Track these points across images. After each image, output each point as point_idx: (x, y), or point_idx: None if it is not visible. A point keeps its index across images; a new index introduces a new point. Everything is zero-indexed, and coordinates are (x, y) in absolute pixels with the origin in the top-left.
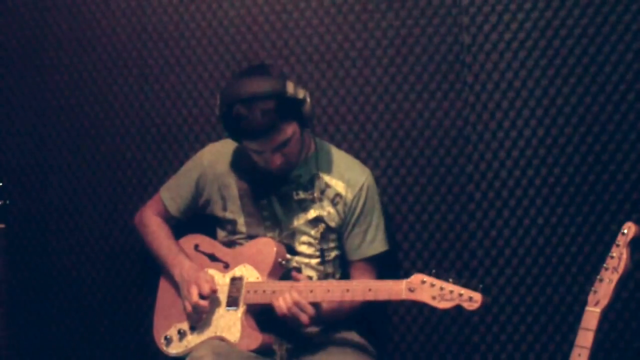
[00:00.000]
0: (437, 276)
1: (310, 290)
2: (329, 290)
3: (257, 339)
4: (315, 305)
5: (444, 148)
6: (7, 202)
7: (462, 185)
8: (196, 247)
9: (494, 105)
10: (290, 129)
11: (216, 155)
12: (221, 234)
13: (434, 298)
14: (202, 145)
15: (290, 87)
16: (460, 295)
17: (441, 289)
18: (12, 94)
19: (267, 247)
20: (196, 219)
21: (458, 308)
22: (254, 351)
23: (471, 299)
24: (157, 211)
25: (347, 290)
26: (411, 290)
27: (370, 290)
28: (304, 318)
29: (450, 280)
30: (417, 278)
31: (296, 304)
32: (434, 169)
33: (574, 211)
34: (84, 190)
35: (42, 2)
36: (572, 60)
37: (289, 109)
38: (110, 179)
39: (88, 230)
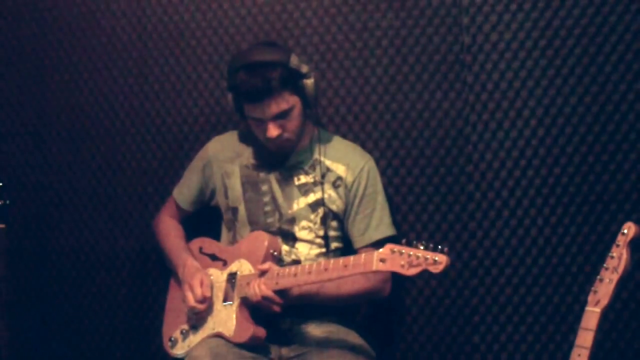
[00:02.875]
0: (409, 245)
1: (276, 283)
2: (309, 273)
3: (248, 330)
4: (283, 292)
5: (444, 148)
6: (7, 202)
7: (462, 185)
8: (200, 249)
9: (494, 105)
10: (291, 100)
11: (220, 145)
12: (224, 229)
13: (402, 266)
14: (203, 145)
15: (294, 59)
16: (426, 259)
17: (409, 255)
18: (12, 94)
19: (259, 239)
20: (202, 218)
21: (459, 307)
22: (247, 343)
23: (435, 261)
24: (170, 212)
25: (325, 270)
26: (382, 260)
27: (345, 266)
28: (275, 308)
29: (420, 246)
30: (387, 248)
31: (263, 297)
32: (434, 169)
33: (574, 211)
34: (84, 191)
35: (42, 2)
36: (572, 60)
37: (291, 79)
38: (110, 178)
39: (88, 230)
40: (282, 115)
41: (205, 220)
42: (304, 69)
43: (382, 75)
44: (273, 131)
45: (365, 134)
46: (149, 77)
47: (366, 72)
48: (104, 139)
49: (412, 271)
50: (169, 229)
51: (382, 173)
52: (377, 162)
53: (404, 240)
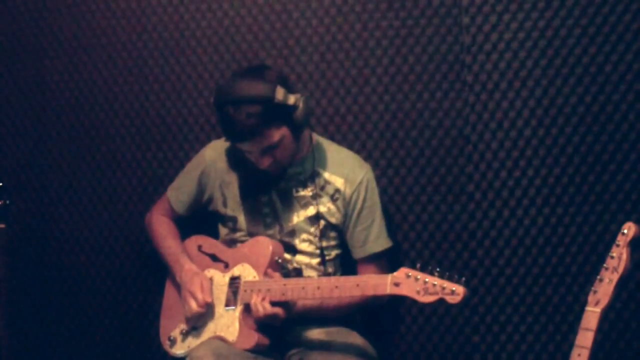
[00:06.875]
0: (423, 270)
1: (282, 293)
2: (319, 288)
3: (252, 338)
4: (287, 304)
5: (444, 148)
6: (7, 202)
7: (462, 185)
8: (199, 247)
9: (494, 105)
10: (278, 134)
11: (218, 152)
12: (223, 231)
13: (418, 292)
14: (202, 145)
15: (279, 94)
16: (443, 288)
17: (425, 282)
18: (12, 94)
19: (263, 245)
20: (199, 218)
21: (459, 307)
22: (250, 351)
23: (453, 292)
24: (164, 211)
25: (336, 287)
26: (396, 284)
27: (357, 285)
28: (277, 322)
29: (436, 273)
30: (401, 272)
31: (265, 314)
32: (434, 169)
33: (574, 211)
34: (84, 191)
35: (42, 2)
36: (572, 60)
37: (277, 114)
38: (110, 178)
39: (88, 230)
40: (271, 148)
41: (200, 215)
42: (291, 100)
43: (382, 75)
44: (264, 162)
45: (365, 134)
46: (148, 77)
47: (366, 72)
48: (103, 139)
49: (428, 299)
50: (164, 229)
51: (382, 173)
52: (376, 162)
53: (418, 265)
